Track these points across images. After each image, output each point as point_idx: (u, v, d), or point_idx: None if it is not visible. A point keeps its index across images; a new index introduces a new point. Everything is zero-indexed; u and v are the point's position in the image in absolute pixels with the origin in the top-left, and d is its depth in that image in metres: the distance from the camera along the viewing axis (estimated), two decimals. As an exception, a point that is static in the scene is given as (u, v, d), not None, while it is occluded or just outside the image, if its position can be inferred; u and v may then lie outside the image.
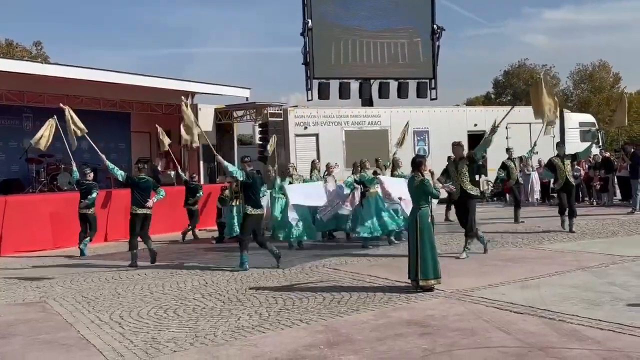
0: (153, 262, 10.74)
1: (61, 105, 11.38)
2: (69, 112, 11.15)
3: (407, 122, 15.39)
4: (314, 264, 10.05)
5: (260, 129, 21.15)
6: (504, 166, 15.66)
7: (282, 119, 20.29)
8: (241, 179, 10.00)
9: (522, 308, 6.56)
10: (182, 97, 11.51)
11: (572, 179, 13.06)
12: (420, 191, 7.93)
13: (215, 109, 21.72)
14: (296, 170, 13.48)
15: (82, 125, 11.24)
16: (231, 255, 11.69)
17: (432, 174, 8.43)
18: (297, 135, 20.38)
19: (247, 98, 21.73)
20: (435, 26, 25.03)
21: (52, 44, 77.89)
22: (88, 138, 11.53)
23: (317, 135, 20.50)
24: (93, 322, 6.84)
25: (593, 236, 12.04)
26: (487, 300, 6.98)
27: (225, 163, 10.12)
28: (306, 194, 12.05)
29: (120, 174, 10.95)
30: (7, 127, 17.99)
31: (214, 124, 21.35)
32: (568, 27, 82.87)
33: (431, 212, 8.13)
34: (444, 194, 10.29)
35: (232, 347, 5.70)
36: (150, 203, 10.91)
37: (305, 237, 12.19)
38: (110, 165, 11.01)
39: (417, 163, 8.14)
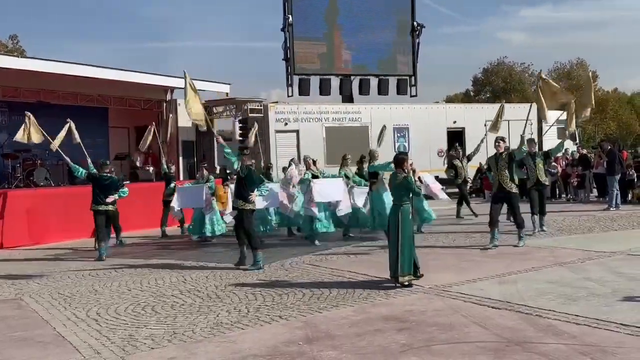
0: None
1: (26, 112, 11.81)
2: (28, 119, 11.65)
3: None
4: (294, 260, 10.03)
5: (240, 125, 21.09)
6: (452, 165, 15.76)
7: (262, 114, 20.24)
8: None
9: (499, 303, 6.61)
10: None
11: (544, 178, 12.36)
12: (402, 188, 7.99)
13: (194, 104, 21.54)
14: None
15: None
16: (210, 252, 11.66)
17: (413, 171, 8.49)
18: (277, 131, 20.36)
19: (227, 93, 21.64)
20: (415, 23, 25.15)
21: (28, 38, 76.55)
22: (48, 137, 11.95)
23: (297, 132, 20.49)
24: (69, 319, 6.76)
25: (569, 232, 12.18)
26: (465, 296, 7.03)
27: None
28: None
29: (80, 171, 11.61)
30: (-18, 122, 17.72)
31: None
32: (546, 25, 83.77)
33: (412, 208, 8.19)
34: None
35: (210, 343, 5.68)
36: (110, 199, 11.51)
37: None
38: (72, 164, 11.79)
39: (400, 160, 8.22)
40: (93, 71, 17.32)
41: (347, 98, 24.46)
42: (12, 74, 15.80)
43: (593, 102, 11.98)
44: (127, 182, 16.07)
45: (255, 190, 9.93)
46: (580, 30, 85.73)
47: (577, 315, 5.98)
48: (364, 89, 24.58)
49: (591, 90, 12.15)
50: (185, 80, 10.23)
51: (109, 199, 11.39)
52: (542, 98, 11.41)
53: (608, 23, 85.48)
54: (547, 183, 12.39)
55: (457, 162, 15.84)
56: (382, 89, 24.62)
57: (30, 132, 11.65)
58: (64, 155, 11.81)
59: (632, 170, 17.86)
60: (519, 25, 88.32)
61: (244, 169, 9.70)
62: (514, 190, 10.73)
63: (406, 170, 8.07)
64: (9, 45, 43.17)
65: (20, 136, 11.73)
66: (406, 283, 7.66)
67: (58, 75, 16.43)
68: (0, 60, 16.25)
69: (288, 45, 23.09)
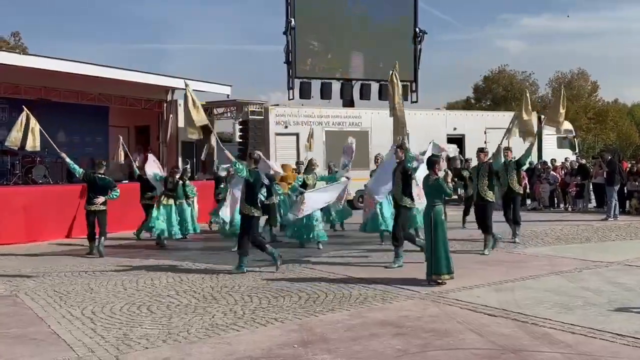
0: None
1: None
2: None
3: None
4: (291, 263, 10.01)
5: (240, 127, 21.09)
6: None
7: (262, 117, 20.24)
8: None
9: (496, 311, 6.61)
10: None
11: (516, 187, 11.97)
12: (434, 189, 8.21)
13: (195, 105, 21.52)
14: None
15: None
16: (207, 253, 11.64)
17: (446, 173, 8.52)
18: (277, 134, 20.34)
19: (228, 95, 21.63)
20: (417, 29, 25.20)
21: (30, 35, 76.72)
22: (46, 134, 11.72)
23: (297, 135, 20.48)
24: (64, 317, 6.75)
25: (567, 241, 12.18)
26: (462, 302, 7.02)
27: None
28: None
29: (78, 171, 11.55)
30: (-18, 118, 17.71)
31: (193, 120, 21.18)
32: (547, 34, 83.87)
33: (444, 210, 8.41)
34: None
35: (205, 344, 5.66)
36: (99, 200, 11.36)
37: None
38: (72, 163, 11.58)
39: (432, 162, 8.39)
40: (94, 70, 17.31)
41: (348, 102, 24.48)
42: (14, 71, 15.80)
43: (560, 120, 11.81)
44: (126, 181, 16.01)
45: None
46: (581, 40, 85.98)
47: (573, 325, 5.98)
48: (365, 93, 24.60)
49: (559, 104, 11.77)
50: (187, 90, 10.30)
51: (98, 200, 11.23)
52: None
53: (608, 33, 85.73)
54: (520, 192, 12.17)
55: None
56: (383, 94, 24.59)
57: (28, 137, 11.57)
58: (64, 155, 11.59)
59: (633, 182, 17.78)
60: (520, 34, 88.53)
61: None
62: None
63: (438, 173, 8.29)
64: (11, 42, 43.22)
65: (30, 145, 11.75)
66: (442, 282, 7.95)
67: (59, 73, 16.41)
68: (1, 57, 16.21)
69: (290, 48, 23.12)
